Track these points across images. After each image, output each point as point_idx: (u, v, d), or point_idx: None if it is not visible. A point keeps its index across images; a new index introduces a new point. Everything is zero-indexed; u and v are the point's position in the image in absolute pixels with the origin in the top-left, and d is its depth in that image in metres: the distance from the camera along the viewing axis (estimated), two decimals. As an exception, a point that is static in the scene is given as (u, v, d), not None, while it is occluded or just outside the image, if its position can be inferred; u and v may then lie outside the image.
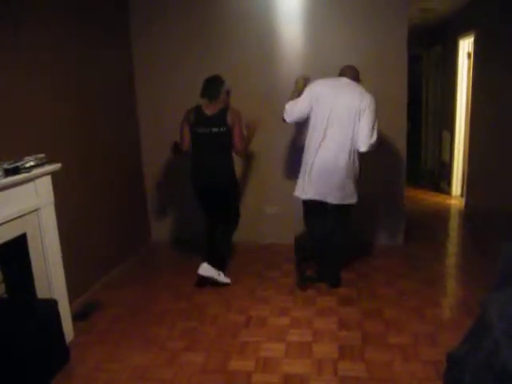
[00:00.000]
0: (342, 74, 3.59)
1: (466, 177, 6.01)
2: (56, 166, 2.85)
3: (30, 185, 2.69)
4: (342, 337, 2.98)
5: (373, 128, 3.41)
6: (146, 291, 3.80)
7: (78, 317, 3.26)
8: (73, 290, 3.21)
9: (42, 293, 2.82)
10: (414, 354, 2.75)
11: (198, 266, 3.70)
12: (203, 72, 4.55)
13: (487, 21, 4.97)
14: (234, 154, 3.72)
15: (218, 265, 3.78)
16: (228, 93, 3.67)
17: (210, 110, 3.58)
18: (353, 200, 3.55)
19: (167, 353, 2.87)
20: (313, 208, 3.62)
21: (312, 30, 4.32)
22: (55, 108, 3.27)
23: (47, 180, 2.83)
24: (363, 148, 3.42)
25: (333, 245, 3.68)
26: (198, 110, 3.61)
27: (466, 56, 5.93)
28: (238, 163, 3.97)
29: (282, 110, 3.61)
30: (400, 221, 4.60)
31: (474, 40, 5.45)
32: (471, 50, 5.68)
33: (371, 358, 2.73)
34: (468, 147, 5.84)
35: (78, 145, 3.57)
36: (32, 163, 2.66)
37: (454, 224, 5.76)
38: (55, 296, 2.86)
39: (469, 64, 5.83)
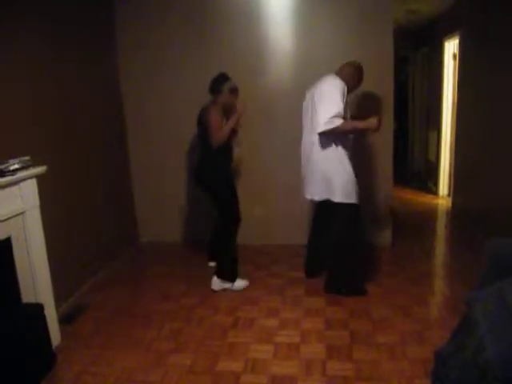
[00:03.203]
0: None
1: (452, 176, 6.07)
2: (41, 169, 2.82)
3: (15, 188, 2.65)
4: (329, 337, 2.99)
5: (327, 105, 3.15)
6: (132, 293, 3.77)
7: (64, 320, 3.23)
8: (59, 294, 3.18)
9: (27, 297, 2.78)
10: (401, 353, 2.76)
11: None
12: (191, 71, 4.54)
13: (471, 23, 5.02)
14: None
15: (222, 275, 3.69)
16: (232, 91, 3.52)
17: (204, 108, 3.53)
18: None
19: (154, 354, 2.85)
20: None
21: (300, 31, 4.33)
22: (40, 110, 3.24)
23: (32, 183, 2.79)
24: (318, 129, 3.19)
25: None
26: (202, 108, 3.56)
27: (451, 57, 5.99)
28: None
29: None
30: (387, 221, 4.62)
31: (459, 41, 5.51)
32: (456, 51, 5.75)
33: (359, 358, 2.73)
34: (454, 147, 5.90)
35: (64, 147, 3.54)
36: (17, 166, 2.62)
37: (441, 224, 5.80)
38: (41, 300, 2.82)
39: (454, 65, 5.89)
